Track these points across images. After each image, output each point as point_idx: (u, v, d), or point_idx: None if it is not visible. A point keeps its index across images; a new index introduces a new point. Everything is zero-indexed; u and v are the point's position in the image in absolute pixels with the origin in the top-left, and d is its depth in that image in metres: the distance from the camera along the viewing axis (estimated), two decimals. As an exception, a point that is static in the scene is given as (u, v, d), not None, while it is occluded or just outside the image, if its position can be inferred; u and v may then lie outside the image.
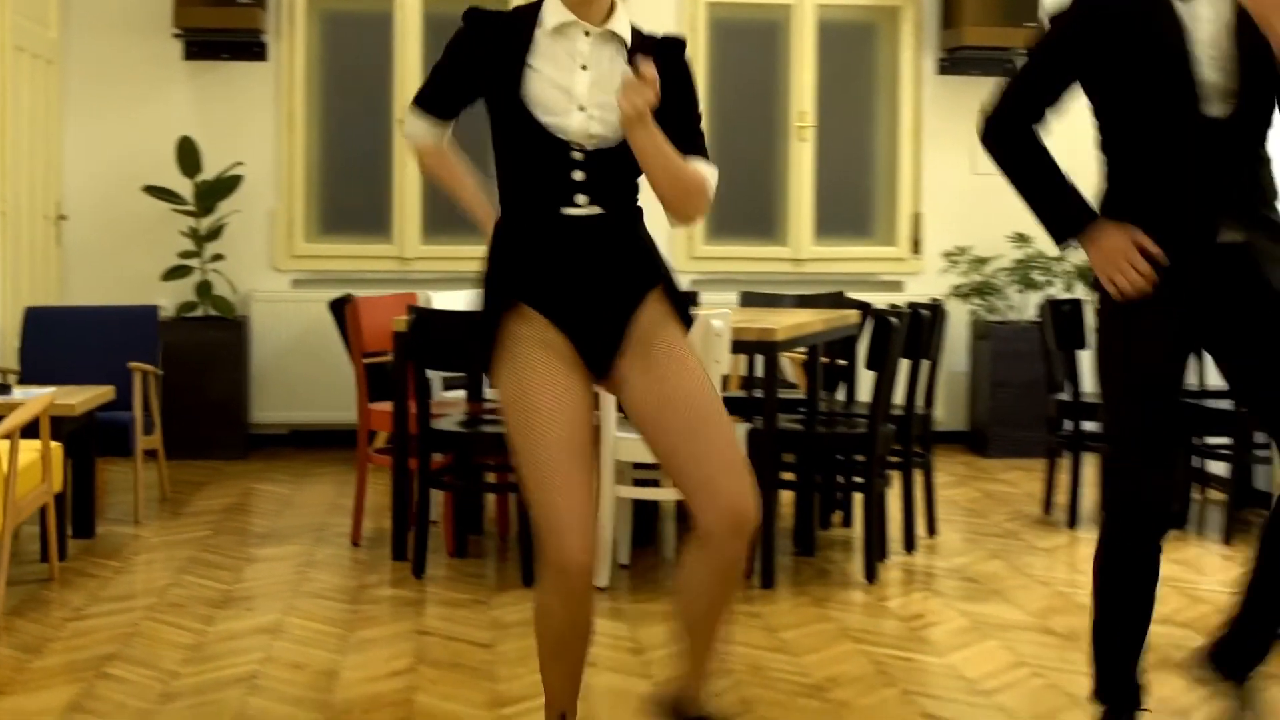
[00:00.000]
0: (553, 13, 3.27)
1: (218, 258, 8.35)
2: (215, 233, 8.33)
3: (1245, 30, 3.39)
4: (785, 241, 9.19)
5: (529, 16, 3.30)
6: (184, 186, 8.31)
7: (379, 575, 5.64)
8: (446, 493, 5.97)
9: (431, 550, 5.84)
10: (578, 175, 3.23)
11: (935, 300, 6.68)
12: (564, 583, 3.17)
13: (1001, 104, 3.71)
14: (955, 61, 9.20)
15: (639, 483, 5.81)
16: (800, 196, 9.15)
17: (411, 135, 3.47)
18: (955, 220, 9.21)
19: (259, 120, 8.69)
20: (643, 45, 3.30)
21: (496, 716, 4.02)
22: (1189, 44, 3.43)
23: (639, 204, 3.35)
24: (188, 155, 8.25)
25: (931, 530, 6.45)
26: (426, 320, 5.47)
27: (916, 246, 9.26)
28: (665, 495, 5.66)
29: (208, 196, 8.27)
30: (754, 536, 3.32)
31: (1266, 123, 3.52)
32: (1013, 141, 3.73)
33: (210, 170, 8.34)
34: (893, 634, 4.91)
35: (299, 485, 7.56)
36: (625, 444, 5.37)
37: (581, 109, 3.22)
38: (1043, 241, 9.04)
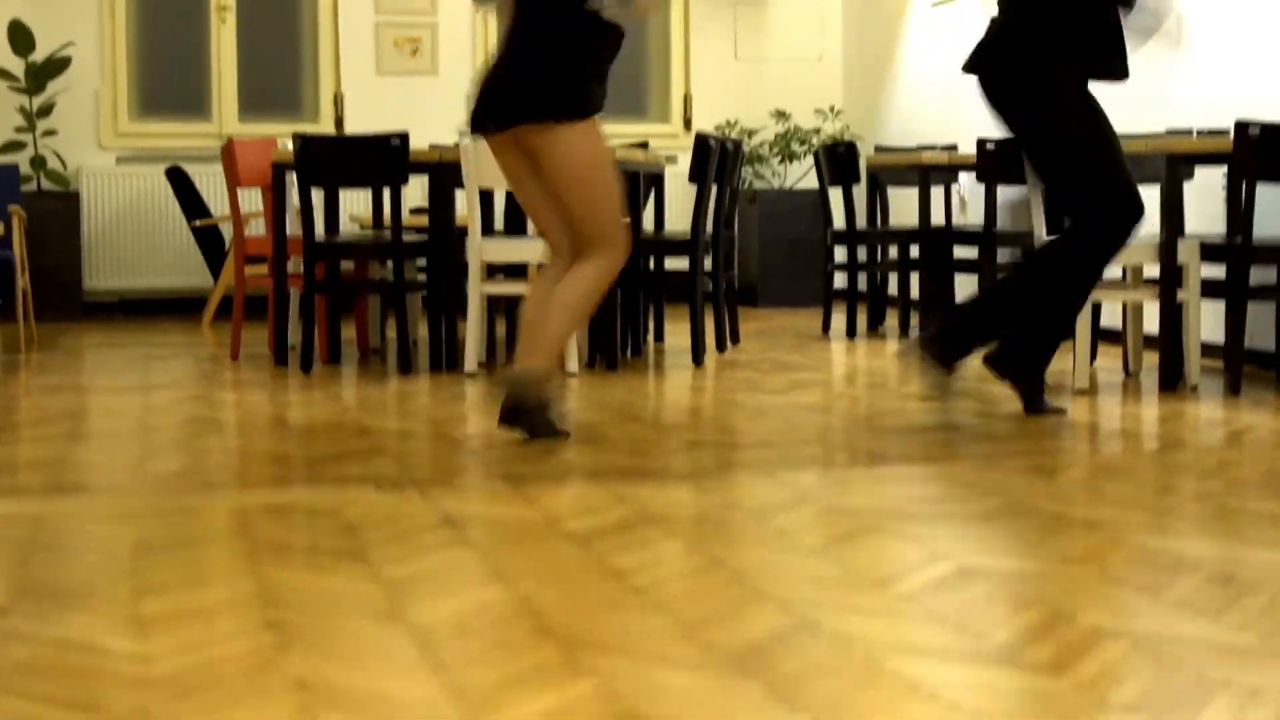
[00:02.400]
0: None
1: (49, 134, 8.87)
2: (46, 110, 8.85)
3: None
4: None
5: None
6: (16, 66, 8.81)
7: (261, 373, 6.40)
8: (321, 303, 6.74)
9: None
10: None
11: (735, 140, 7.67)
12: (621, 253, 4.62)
13: None
14: (719, -44, 10.21)
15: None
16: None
17: None
18: (721, 99, 10.24)
19: (84, 4, 9.21)
20: None
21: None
22: None
23: None
24: (19, 36, 8.74)
25: (735, 339, 7.47)
26: (309, 143, 6.24)
27: (688, 124, 10.27)
28: (517, 290, 6.52)
29: (39, 75, 8.78)
30: None
31: None
32: None
33: (40, 52, 8.85)
34: (725, 385, 5.91)
35: (144, 342, 8.19)
36: (490, 245, 6.23)
37: None
38: (800, 116, 10.16)
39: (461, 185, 6.22)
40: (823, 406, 5.25)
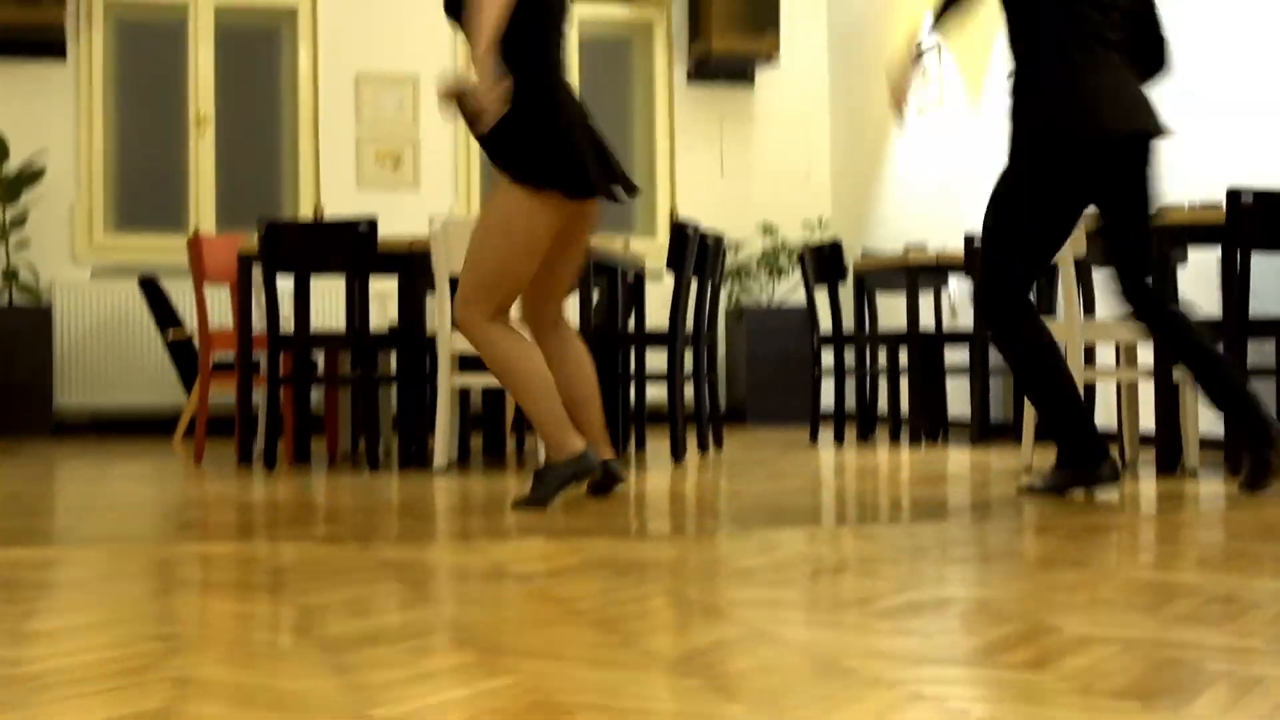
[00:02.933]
0: None
1: (22, 245, 8.72)
2: (20, 221, 8.70)
3: None
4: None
5: None
6: (-11, 177, 8.69)
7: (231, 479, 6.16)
8: (286, 401, 6.51)
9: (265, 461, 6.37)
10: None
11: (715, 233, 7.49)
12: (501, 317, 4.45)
13: None
14: (703, 70, 10.14)
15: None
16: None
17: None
18: (708, 213, 10.11)
19: (60, 117, 9.12)
20: None
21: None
22: None
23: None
24: (-7, 146, 8.63)
25: (718, 443, 7.23)
26: (276, 229, 6.06)
27: (675, 240, 10.12)
28: (491, 382, 6.29)
29: (13, 185, 8.65)
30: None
31: None
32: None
33: (15, 161, 8.72)
34: (707, 479, 5.67)
35: (112, 463, 7.95)
36: (460, 337, 6.01)
37: None
38: (788, 230, 10.02)
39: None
40: (806, 490, 5.00)
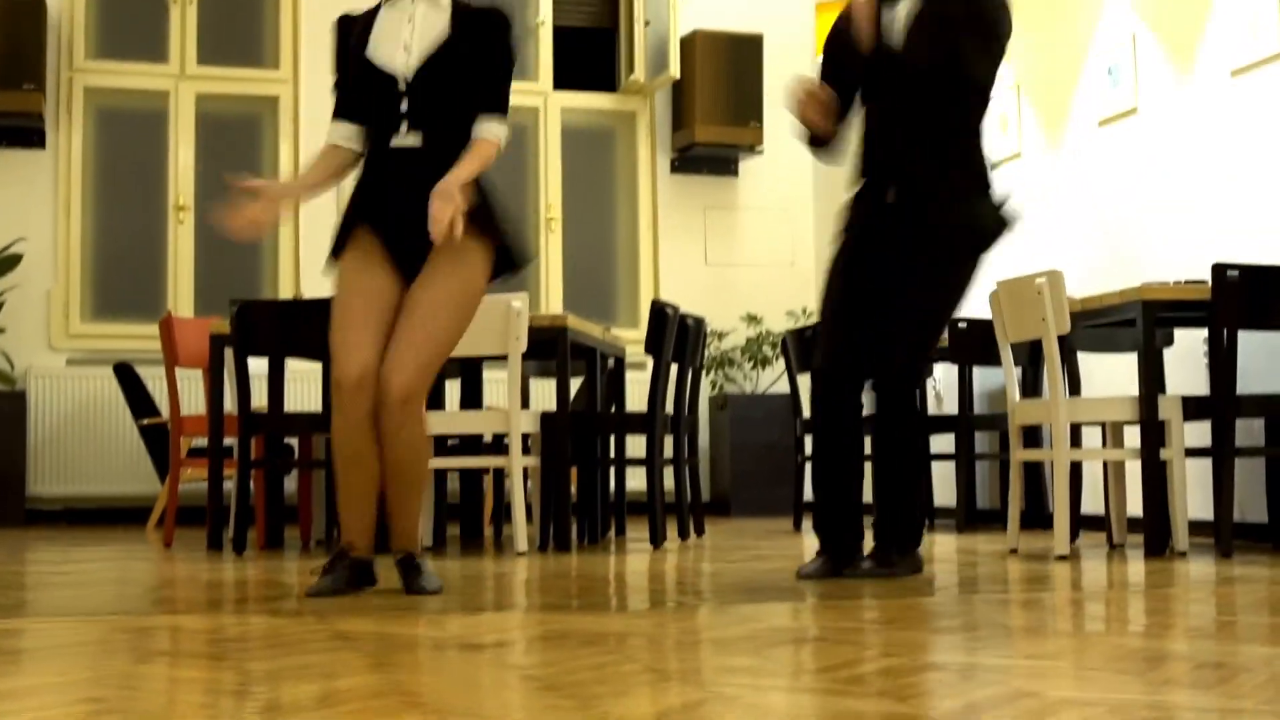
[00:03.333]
0: None
1: (-3, 333, 8.62)
2: (-5, 308, 8.61)
3: None
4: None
5: (378, 6, 4.21)
6: (-36, 263, 8.59)
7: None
8: (258, 486, 6.38)
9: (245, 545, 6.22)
10: (404, 105, 4.01)
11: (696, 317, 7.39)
12: (340, 397, 3.98)
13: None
14: (686, 160, 10.10)
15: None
16: (553, 282, 9.86)
17: (329, 145, 4.22)
18: (692, 303, 10.03)
19: (39, 205, 9.04)
20: (465, 12, 4.15)
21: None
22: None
23: (464, 134, 4.10)
24: (-31, 233, 8.54)
25: (699, 530, 7.09)
26: (249, 309, 5.96)
27: (658, 329, 10.03)
28: (470, 464, 6.18)
29: (-12, 273, 8.56)
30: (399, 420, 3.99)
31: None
32: None
33: (-9, 249, 8.64)
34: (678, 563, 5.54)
35: (85, 550, 7.81)
36: (436, 418, 5.90)
37: (405, 49, 4.09)
38: (772, 320, 9.94)
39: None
40: (787, 570, 4.87)
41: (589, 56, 10.28)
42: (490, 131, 4.08)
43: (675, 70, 9.60)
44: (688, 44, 9.76)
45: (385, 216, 4.05)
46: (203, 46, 9.38)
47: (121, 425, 8.90)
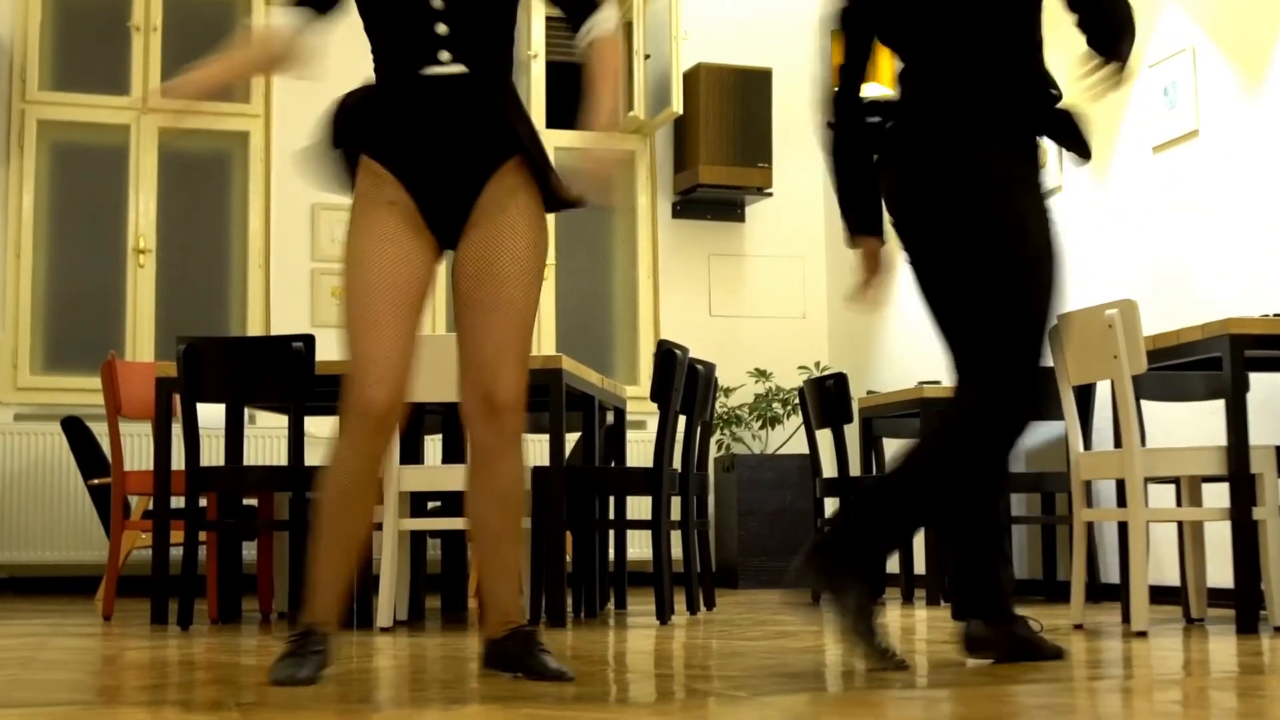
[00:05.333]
0: None
1: (-63, 385, 7.87)
2: (-65, 359, 7.87)
3: None
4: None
5: None
6: (-98, 309, 7.86)
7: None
8: (209, 554, 5.62)
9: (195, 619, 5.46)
10: (440, 28, 3.19)
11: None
12: (360, 424, 3.11)
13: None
14: (689, 203, 9.40)
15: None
16: (545, 333, 9.15)
17: (270, 26, 3.38)
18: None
19: (-16, 247, 8.33)
20: None
21: None
22: None
23: (509, 60, 3.30)
24: (-93, 276, 7.82)
25: (710, 603, 6.32)
26: (197, 349, 5.23)
27: (659, 385, 9.29)
28: (452, 526, 5.44)
29: (-72, 320, 7.83)
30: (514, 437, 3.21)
31: None
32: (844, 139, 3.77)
33: (-69, 293, 7.92)
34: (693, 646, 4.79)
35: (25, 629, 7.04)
36: (411, 474, 5.17)
37: None
38: (781, 376, 9.20)
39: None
40: (814, 648, 4.12)
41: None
42: (607, 26, 3.26)
43: (677, 106, 8.90)
44: (691, 79, 9.08)
45: (419, 163, 3.21)
46: (167, 77, 8.64)
47: (73, 485, 8.15)
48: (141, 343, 8.48)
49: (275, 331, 8.43)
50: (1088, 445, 6.33)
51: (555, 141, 9.26)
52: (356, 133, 3.26)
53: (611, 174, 3.12)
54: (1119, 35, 3.45)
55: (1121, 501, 4.85)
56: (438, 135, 3.20)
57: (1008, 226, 3.41)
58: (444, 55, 3.20)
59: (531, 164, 3.27)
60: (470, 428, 3.24)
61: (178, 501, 5.50)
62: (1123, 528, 4.84)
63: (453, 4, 3.20)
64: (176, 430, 5.46)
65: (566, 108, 9.37)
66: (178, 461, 5.44)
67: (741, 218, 9.58)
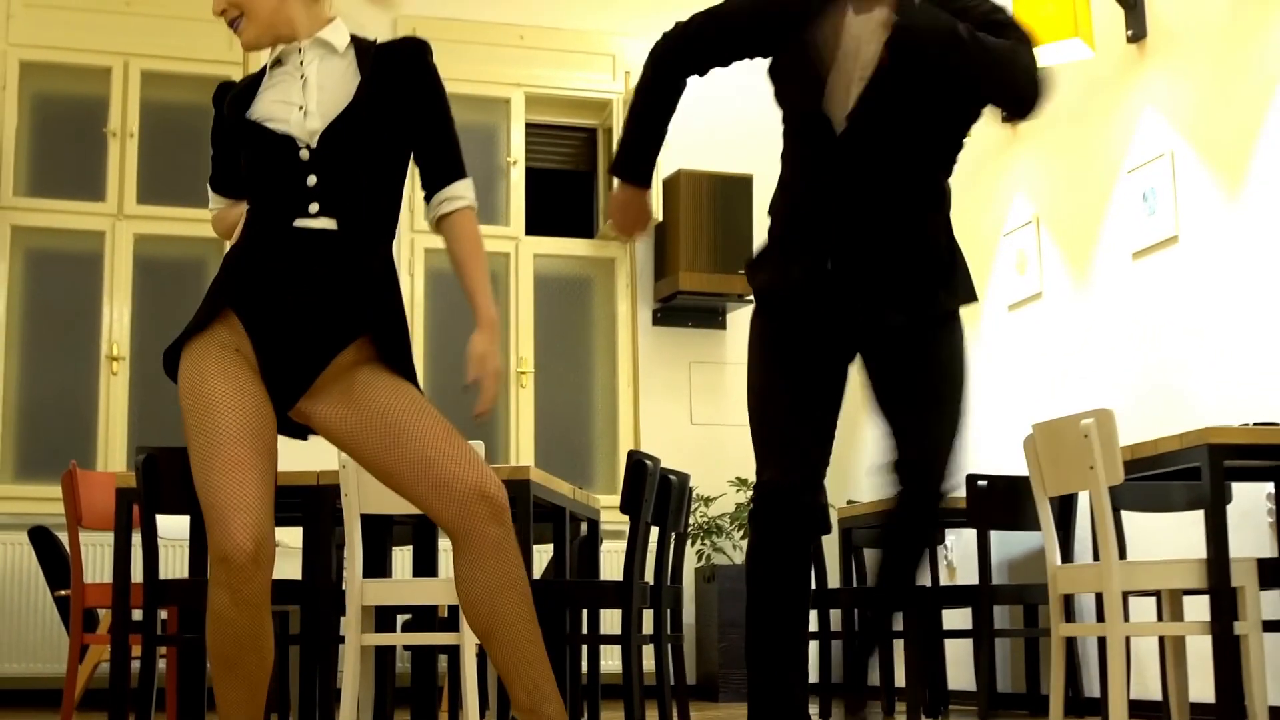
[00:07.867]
0: (270, 53, 3.25)
1: (-96, 495, 7.75)
2: (-98, 468, 7.76)
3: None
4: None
5: (262, 70, 3.27)
6: None
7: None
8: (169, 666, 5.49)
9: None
10: (310, 179, 3.10)
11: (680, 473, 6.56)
12: (228, 574, 2.92)
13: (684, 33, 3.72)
14: (669, 311, 9.34)
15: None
16: (524, 442, 9.05)
17: (211, 212, 3.41)
18: (677, 466, 9.18)
19: (-45, 354, 8.24)
20: (373, 50, 3.22)
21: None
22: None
23: (391, 217, 3.20)
24: (-125, 383, 7.73)
25: (684, 719, 6.18)
26: (157, 459, 5.13)
27: (639, 493, 9.18)
28: (421, 640, 5.31)
29: (-105, 428, 7.73)
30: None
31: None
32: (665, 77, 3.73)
33: (-101, 401, 7.82)
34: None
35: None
36: (374, 587, 5.05)
37: (300, 109, 3.12)
38: (763, 483, 9.07)
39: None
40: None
41: (564, 199, 9.59)
42: (465, 198, 3.18)
43: (658, 213, 8.86)
44: (671, 185, 9.06)
45: (273, 315, 3.06)
46: (143, 184, 8.65)
47: (41, 596, 8.01)
48: (113, 451, 8.37)
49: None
50: (1069, 556, 6.21)
51: (534, 249, 9.22)
52: (220, 284, 3.14)
53: (491, 388, 3.03)
54: (1013, 87, 3.45)
55: (1101, 615, 4.74)
56: (292, 292, 3.06)
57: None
58: (313, 207, 3.11)
59: (382, 346, 3.16)
60: (470, 532, 3.05)
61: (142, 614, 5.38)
62: (1103, 641, 4.72)
63: (321, 156, 3.09)
64: (138, 541, 5.35)
65: (546, 214, 9.34)
66: (141, 573, 5.32)
67: (723, 325, 9.51)
